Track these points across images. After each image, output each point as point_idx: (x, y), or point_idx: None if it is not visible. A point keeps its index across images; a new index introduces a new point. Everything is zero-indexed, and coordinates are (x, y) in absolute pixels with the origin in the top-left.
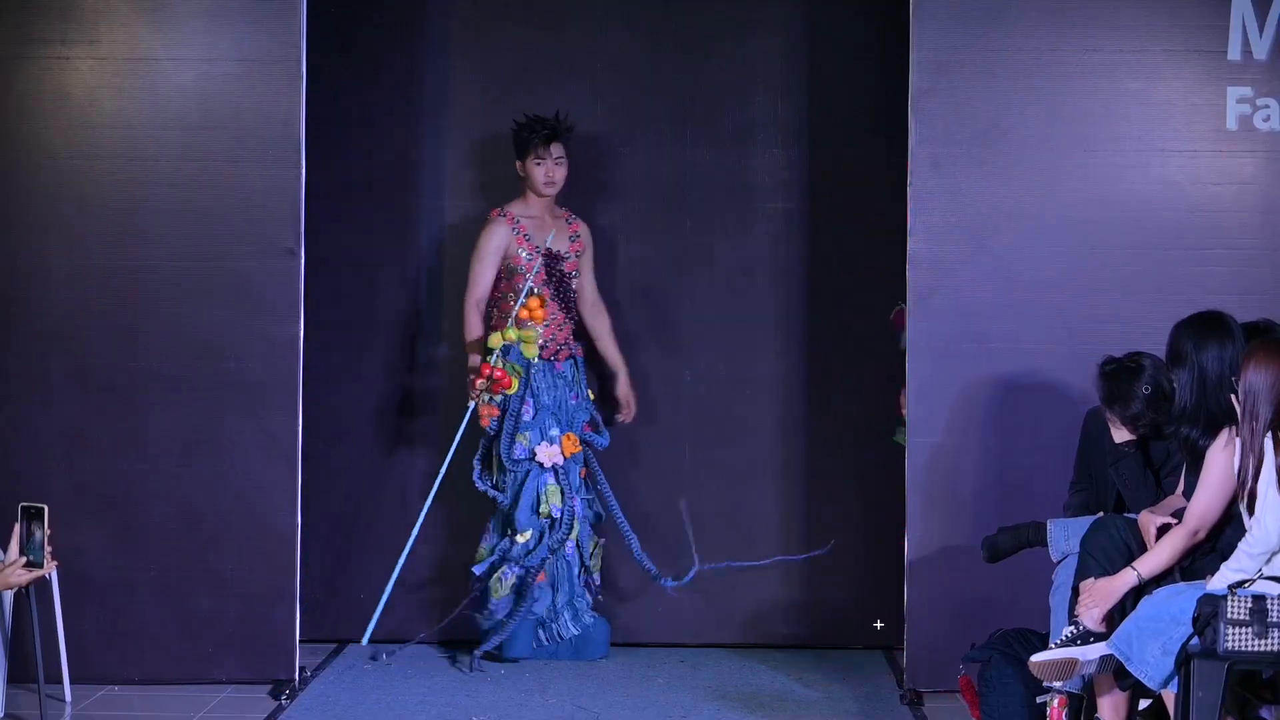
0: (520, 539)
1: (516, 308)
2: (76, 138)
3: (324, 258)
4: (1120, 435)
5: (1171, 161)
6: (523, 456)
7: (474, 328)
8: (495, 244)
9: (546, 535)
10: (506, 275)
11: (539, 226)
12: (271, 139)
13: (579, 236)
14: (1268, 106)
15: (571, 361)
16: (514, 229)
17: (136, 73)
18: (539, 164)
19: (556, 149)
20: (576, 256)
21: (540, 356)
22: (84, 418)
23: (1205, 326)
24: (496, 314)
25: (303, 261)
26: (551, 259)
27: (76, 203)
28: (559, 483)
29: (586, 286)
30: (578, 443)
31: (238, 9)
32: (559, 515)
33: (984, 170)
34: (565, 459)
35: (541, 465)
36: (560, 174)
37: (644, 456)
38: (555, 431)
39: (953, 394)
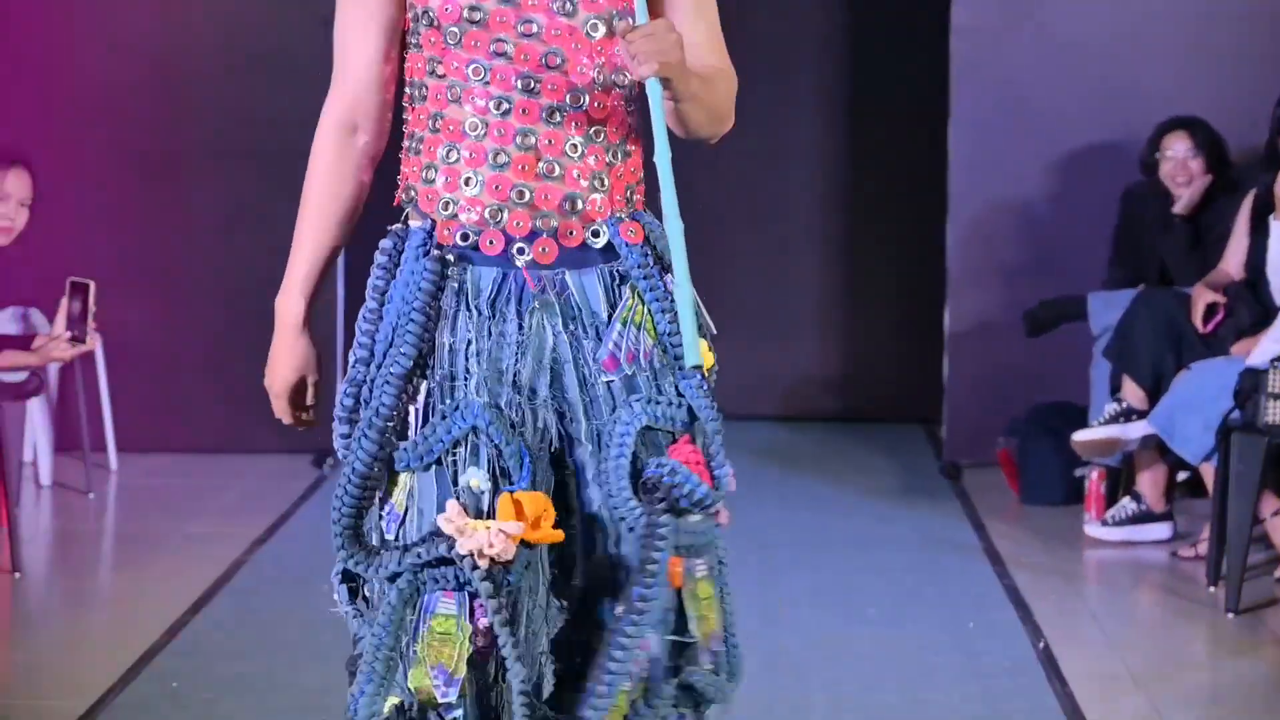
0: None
1: None
2: None
3: None
4: (1182, 205)
5: None
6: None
7: (313, 195)
8: None
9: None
10: (425, 34)
11: None
12: None
13: None
14: None
15: (598, 268)
16: None
17: None
18: None
19: None
20: None
21: (486, 251)
22: (127, 191)
23: None
24: (427, 142)
25: None
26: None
27: None
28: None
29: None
30: (549, 522)
31: None
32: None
33: None
34: (498, 568)
35: (418, 566)
36: None
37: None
38: (478, 474)
39: (994, 166)
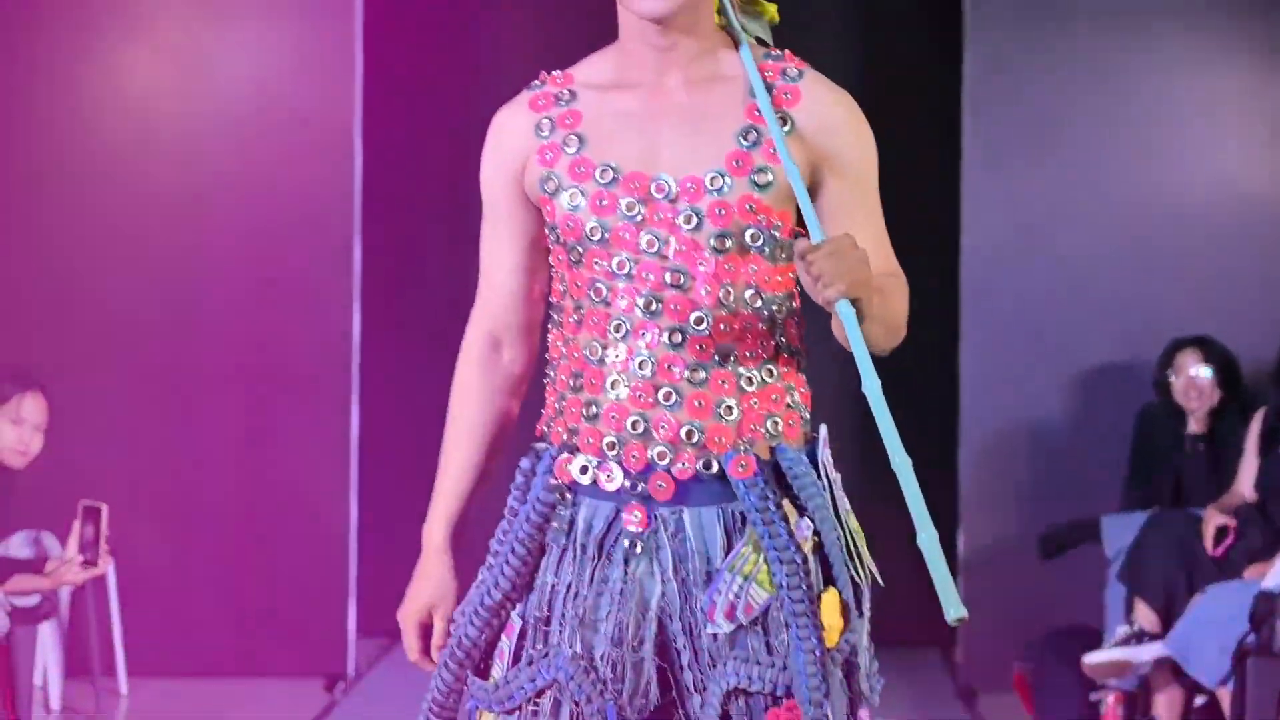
0: None
1: None
2: (133, 135)
3: (385, 247)
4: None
5: (1230, 157)
6: None
7: (455, 415)
8: (491, 178)
9: None
10: (554, 251)
11: (632, 106)
12: (326, 128)
13: (791, 129)
14: None
15: (719, 507)
16: (542, 121)
17: (192, 68)
18: None
19: None
20: (761, 190)
21: (590, 484)
22: (139, 414)
23: None
24: (559, 368)
25: (358, 254)
26: (656, 207)
27: (133, 199)
28: None
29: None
30: None
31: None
32: None
33: (1040, 164)
34: None
35: None
36: None
37: None
38: None
39: (1006, 387)
